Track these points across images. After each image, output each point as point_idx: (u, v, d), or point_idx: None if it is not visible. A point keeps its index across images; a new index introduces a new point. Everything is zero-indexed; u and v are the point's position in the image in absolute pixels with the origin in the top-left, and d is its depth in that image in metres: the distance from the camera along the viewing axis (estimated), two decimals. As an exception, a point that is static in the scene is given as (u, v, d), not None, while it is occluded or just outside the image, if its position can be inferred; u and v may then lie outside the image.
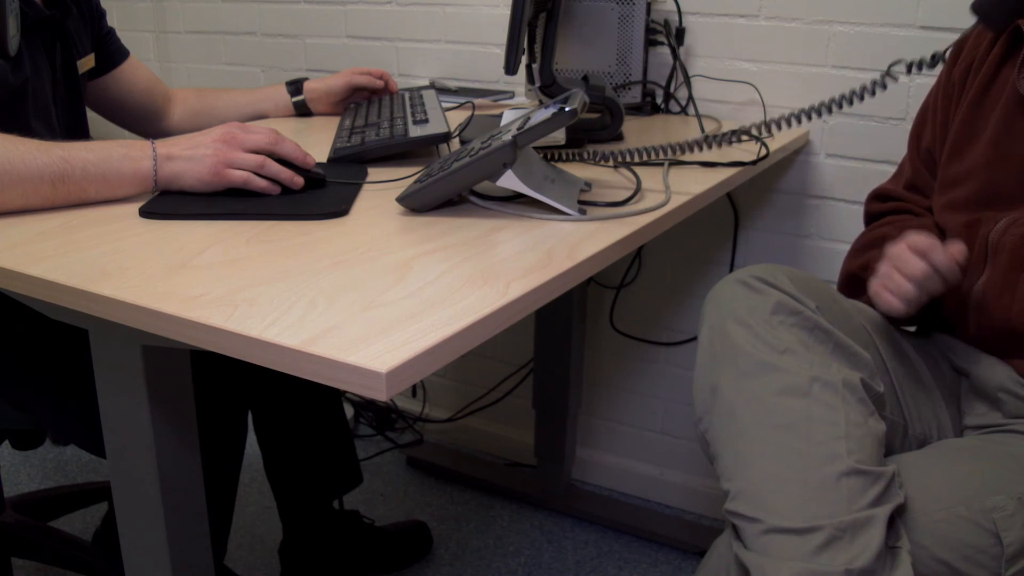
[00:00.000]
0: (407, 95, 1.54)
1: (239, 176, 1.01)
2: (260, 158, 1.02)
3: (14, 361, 1.19)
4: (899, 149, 1.61)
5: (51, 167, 0.95)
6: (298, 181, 1.04)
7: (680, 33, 1.72)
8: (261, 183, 1.02)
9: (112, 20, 1.53)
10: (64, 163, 0.96)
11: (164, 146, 1.01)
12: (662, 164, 1.24)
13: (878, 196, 1.33)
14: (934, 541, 0.87)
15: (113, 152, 0.99)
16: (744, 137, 1.13)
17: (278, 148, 1.04)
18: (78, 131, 1.35)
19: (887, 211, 1.29)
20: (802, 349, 0.93)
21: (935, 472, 0.94)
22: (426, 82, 2.05)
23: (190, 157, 1.01)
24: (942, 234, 1.17)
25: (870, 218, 1.34)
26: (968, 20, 1.50)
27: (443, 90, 1.86)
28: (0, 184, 0.92)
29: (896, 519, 0.87)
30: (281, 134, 1.07)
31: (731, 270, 1.84)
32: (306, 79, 1.64)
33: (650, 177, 1.17)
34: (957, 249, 1.04)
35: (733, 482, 0.90)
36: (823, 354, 0.94)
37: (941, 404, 1.10)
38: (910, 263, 1.04)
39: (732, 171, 1.23)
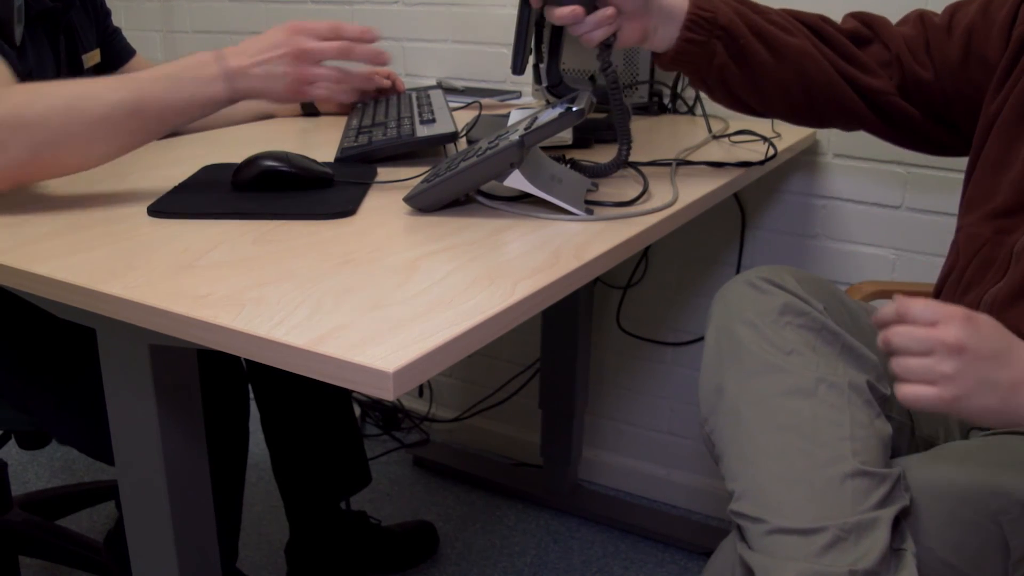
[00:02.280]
0: (414, 95, 1.54)
1: (321, 93, 1.01)
2: (337, 73, 1.01)
3: (16, 362, 1.19)
4: (907, 150, 1.61)
5: (125, 104, 0.94)
6: (381, 83, 1.06)
7: (687, 33, 1.72)
8: (342, 97, 1.02)
9: (119, 20, 1.53)
10: (136, 94, 0.95)
11: (235, 58, 0.99)
12: (669, 164, 1.24)
13: (860, 16, 1.23)
14: (940, 544, 0.87)
15: (183, 77, 0.98)
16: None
17: (353, 54, 1.03)
18: None
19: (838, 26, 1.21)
20: (808, 350, 0.93)
21: (941, 474, 0.93)
22: (433, 82, 2.05)
23: (266, 75, 1.00)
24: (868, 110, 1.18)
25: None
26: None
27: (450, 90, 1.86)
28: (78, 127, 0.92)
29: (901, 521, 0.86)
30: (346, 30, 1.04)
31: (738, 270, 1.83)
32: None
33: (657, 177, 1.17)
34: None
35: (738, 482, 0.90)
36: (830, 355, 0.93)
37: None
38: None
39: (739, 171, 1.23)
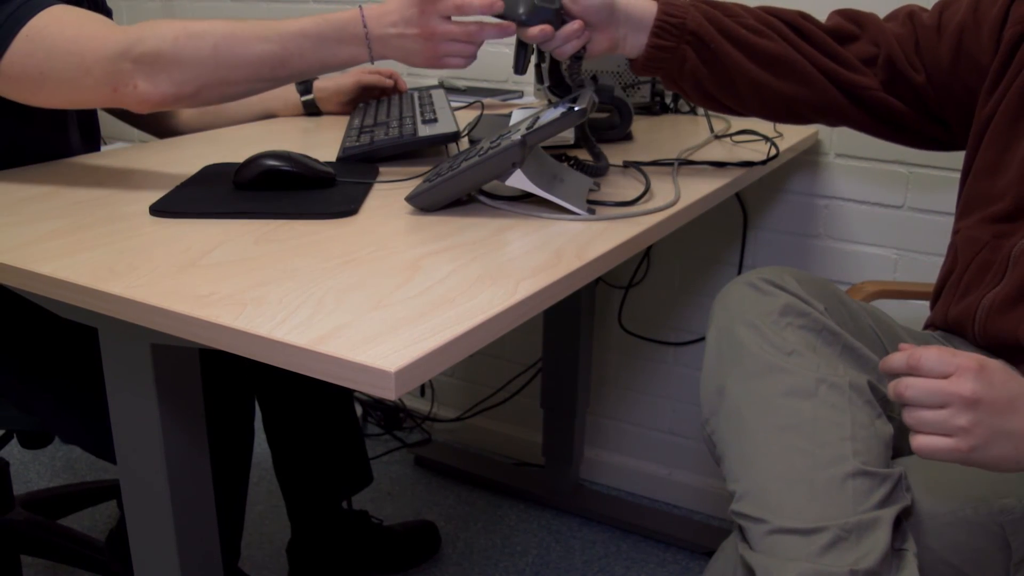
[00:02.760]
0: (416, 94, 1.54)
1: (454, 64, 1.08)
2: (469, 48, 1.07)
3: (18, 361, 1.19)
4: (909, 149, 1.61)
5: (270, 57, 1.02)
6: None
7: (689, 33, 1.72)
8: (469, 63, 1.09)
9: (121, 20, 1.53)
10: (281, 48, 1.03)
11: (378, 23, 1.05)
12: (671, 164, 1.24)
13: (852, 16, 1.22)
14: (941, 544, 0.87)
15: (328, 36, 1.04)
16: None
17: (480, 36, 1.07)
18: (88, 122, 1.35)
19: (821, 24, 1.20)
20: (809, 351, 0.93)
21: (942, 474, 0.93)
22: (435, 81, 2.05)
23: (402, 48, 1.06)
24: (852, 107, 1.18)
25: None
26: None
27: (452, 89, 1.86)
28: (223, 72, 1.01)
29: (903, 521, 0.86)
30: (471, 6, 1.06)
31: (740, 270, 1.83)
32: (315, 78, 1.65)
33: (659, 177, 1.17)
34: None
35: (739, 483, 0.90)
36: (830, 356, 0.93)
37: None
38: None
39: (741, 171, 1.23)
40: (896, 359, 0.80)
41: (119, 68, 0.99)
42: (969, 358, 0.78)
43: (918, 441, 0.78)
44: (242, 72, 1.02)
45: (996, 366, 0.79)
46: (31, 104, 1.05)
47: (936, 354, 0.79)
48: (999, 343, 1.08)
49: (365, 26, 1.05)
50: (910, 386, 0.78)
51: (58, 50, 1.00)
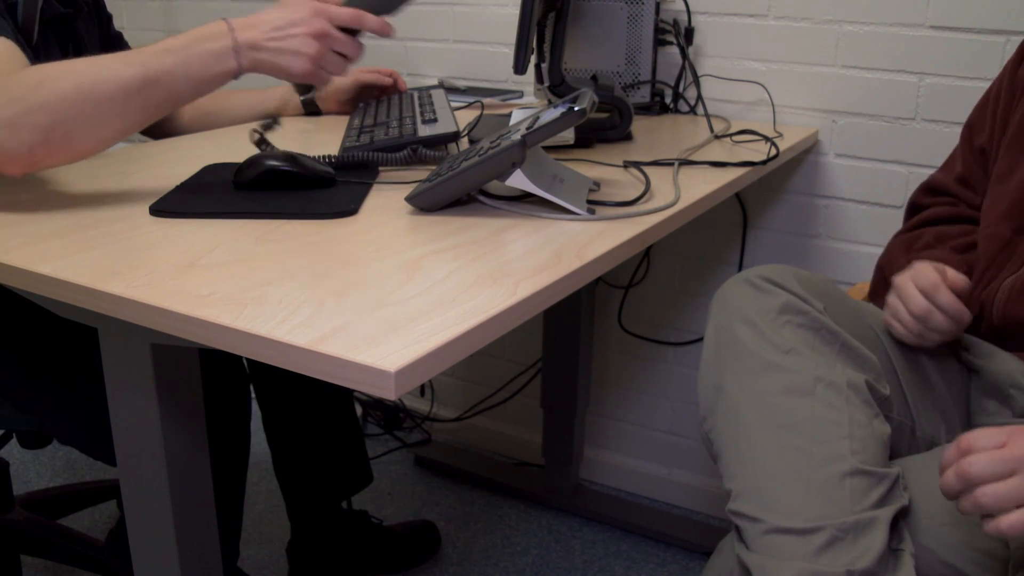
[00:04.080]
0: (416, 94, 1.54)
1: (333, 74, 1.01)
2: (348, 64, 1.02)
3: (17, 362, 1.19)
4: (909, 149, 1.61)
5: (134, 81, 0.93)
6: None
7: (689, 33, 1.72)
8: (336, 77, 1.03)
9: (121, 20, 1.53)
10: (145, 69, 0.94)
11: (247, 31, 0.98)
12: (671, 164, 1.24)
13: (929, 189, 1.30)
14: (939, 544, 0.87)
15: (192, 50, 0.97)
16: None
17: (356, 55, 1.03)
18: None
19: (936, 207, 1.28)
20: (808, 350, 0.93)
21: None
22: (435, 81, 2.05)
23: (281, 50, 0.98)
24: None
25: (914, 209, 1.30)
26: (975, 20, 1.50)
27: (452, 89, 1.86)
28: (88, 108, 0.91)
29: (900, 521, 0.86)
30: (367, 22, 1.03)
31: (740, 270, 1.83)
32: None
33: (659, 177, 1.17)
34: (954, 278, 1.02)
35: (736, 481, 0.90)
36: (829, 355, 0.93)
37: (949, 405, 1.10)
38: (913, 299, 1.02)
39: (741, 171, 1.23)
40: (948, 456, 0.78)
41: None
42: (1014, 426, 0.76)
43: (1006, 522, 0.74)
44: (108, 107, 0.92)
45: None
46: None
47: (983, 431, 0.76)
48: (1011, 329, 1.09)
49: (232, 29, 0.98)
50: (973, 463, 0.75)
51: None
